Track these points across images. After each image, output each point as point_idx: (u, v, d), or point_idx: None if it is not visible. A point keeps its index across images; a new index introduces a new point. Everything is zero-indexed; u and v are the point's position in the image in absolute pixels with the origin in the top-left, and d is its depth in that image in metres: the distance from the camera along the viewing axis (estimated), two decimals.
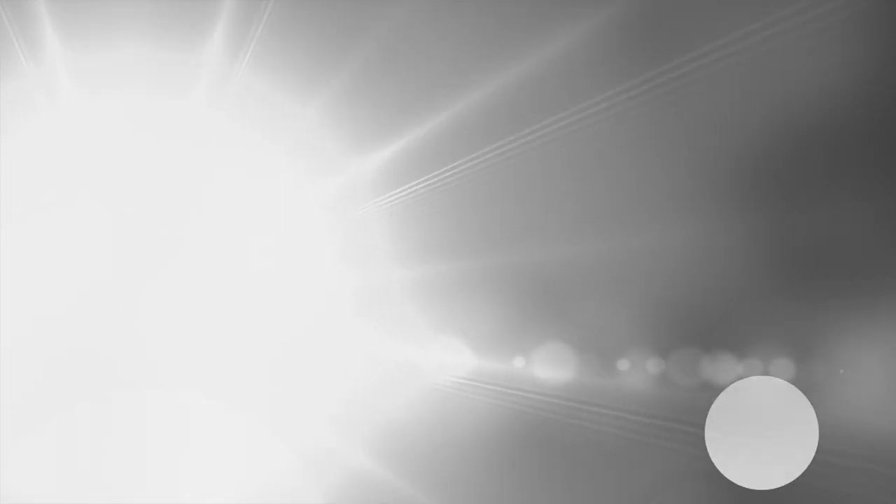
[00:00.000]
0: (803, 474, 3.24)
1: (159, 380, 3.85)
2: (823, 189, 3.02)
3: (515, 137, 3.52)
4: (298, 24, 3.76)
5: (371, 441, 3.81)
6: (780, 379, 3.36)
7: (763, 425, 3.37)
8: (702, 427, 3.44)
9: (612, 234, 3.48)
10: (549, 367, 3.70)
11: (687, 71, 3.08)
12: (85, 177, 3.92)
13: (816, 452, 3.25)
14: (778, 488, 3.27)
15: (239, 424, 3.84)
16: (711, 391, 3.46)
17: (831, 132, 2.95)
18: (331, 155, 3.91)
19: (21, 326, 3.71)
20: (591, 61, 3.24)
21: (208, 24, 3.77)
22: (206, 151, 3.98)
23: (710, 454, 3.42)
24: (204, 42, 3.81)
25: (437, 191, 3.82)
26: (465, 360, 3.82)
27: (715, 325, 3.41)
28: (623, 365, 3.63)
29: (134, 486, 3.61)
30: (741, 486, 3.38)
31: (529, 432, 3.62)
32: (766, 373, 3.39)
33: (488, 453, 3.64)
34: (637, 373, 3.58)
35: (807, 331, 3.31)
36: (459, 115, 3.62)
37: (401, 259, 3.83)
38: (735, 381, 3.45)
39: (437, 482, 3.67)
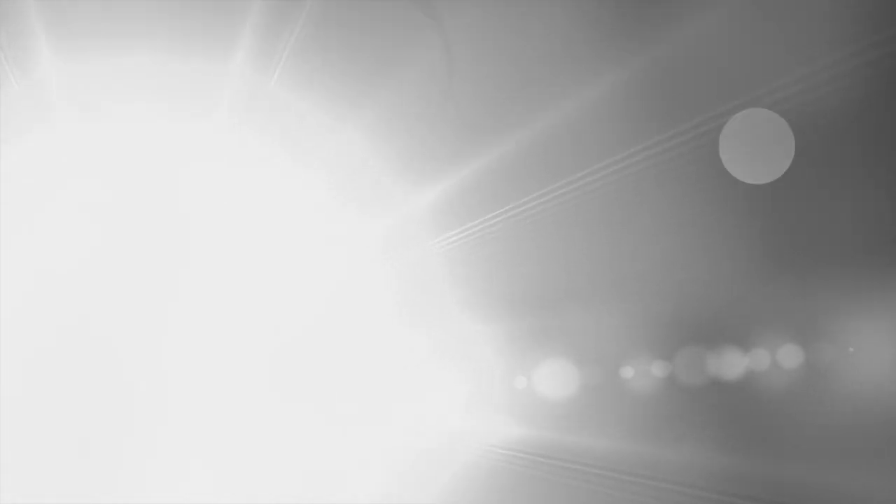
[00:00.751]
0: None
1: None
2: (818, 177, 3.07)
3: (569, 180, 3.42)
4: (341, 31, 3.13)
5: None
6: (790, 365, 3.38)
7: None
8: None
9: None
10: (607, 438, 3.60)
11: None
12: (83, 211, 3.33)
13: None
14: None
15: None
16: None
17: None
18: (377, 187, 3.31)
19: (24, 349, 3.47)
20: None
21: (232, 27, 3.15)
22: (229, 181, 3.41)
23: None
24: (227, 50, 3.21)
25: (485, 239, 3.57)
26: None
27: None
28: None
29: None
30: None
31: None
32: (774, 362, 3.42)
33: None
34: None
35: (811, 314, 3.35)
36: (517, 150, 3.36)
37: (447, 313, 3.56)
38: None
39: None
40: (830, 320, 3.27)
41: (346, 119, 3.20)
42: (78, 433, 3.48)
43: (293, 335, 3.56)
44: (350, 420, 3.59)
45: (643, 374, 3.60)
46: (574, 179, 3.36)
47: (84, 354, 3.49)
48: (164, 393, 3.55)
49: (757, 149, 3.15)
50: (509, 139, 3.27)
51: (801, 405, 3.41)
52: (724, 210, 3.32)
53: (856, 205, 3.11)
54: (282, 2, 3.08)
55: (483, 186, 3.36)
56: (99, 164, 3.39)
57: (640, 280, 3.48)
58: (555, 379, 3.60)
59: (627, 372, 3.61)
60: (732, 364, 3.49)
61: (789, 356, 3.45)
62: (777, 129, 3.12)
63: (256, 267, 3.54)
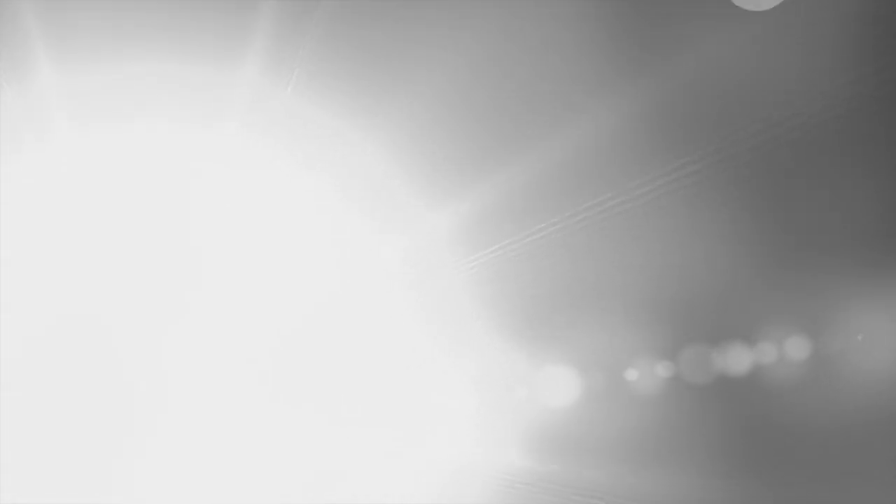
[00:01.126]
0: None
1: None
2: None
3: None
4: (360, 36, 2.91)
5: None
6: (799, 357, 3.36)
7: None
8: None
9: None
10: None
11: None
12: (85, 230, 3.15)
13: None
14: None
15: None
16: None
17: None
18: (399, 203, 3.13)
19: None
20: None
21: (244, 34, 2.94)
22: (239, 194, 3.19)
23: None
24: (238, 57, 2.98)
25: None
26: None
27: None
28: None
29: None
30: None
31: None
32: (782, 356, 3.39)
33: None
34: None
35: (817, 306, 3.31)
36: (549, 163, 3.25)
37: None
38: None
39: None
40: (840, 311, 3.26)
41: (363, 130, 3.01)
42: (78, 434, 3.38)
43: (306, 353, 3.43)
44: (365, 443, 3.47)
45: (661, 402, 3.54)
46: (602, 200, 3.32)
47: (87, 367, 3.38)
48: (166, 402, 3.45)
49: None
50: (532, 157, 3.16)
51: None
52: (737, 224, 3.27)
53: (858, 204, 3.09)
54: (295, 8, 2.86)
55: (503, 207, 3.23)
56: (102, 177, 3.22)
57: (659, 303, 3.46)
58: (568, 398, 3.52)
59: (643, 392, 3.55)
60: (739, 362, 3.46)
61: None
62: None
63: (267, 281, 3.39)
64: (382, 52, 2.95)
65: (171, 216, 3.25)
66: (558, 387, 3.51)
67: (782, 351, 3.39)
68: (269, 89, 3.01)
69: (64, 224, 3.25)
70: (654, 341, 3.48)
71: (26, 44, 2.90)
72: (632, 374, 3.56)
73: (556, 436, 3.55)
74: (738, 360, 3.52)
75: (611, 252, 3.45)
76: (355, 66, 3.03)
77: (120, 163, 3.18)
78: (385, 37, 2.94)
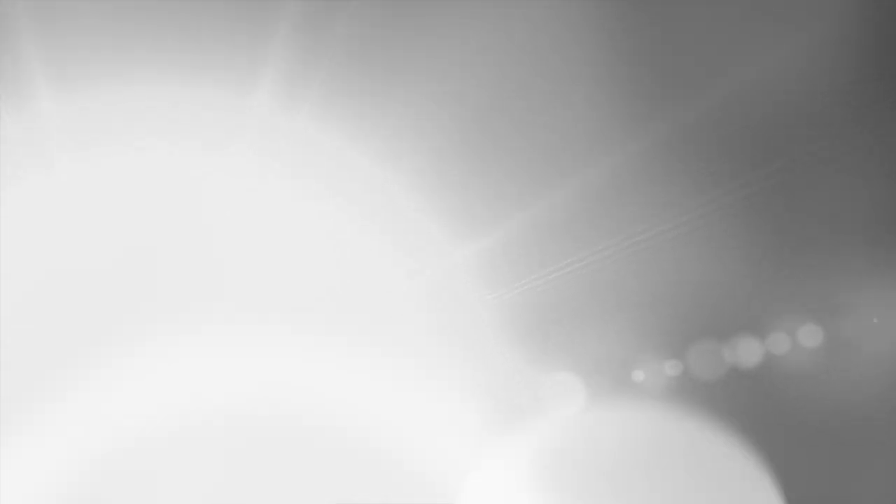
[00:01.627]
0: None
1: None
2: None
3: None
4: (379, 61, 2.76)
5: None
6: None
7: None
8: None
9: None
10: None
11: None
12: (88, 257, 3.05)
13: None
14: None
15: None
16: None
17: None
18: (422, 235, 2.99)
19: None
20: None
21: (254, 58, 2.81)
22: (253, 227, 3.10)
23: None
24: (248, 80, 2.84)
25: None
26: None
27: None
28: None
29: None
30: None
31: None
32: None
33: None
34: None
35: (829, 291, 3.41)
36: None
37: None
38: None
39: None
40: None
41: (376, 156, 2.87)
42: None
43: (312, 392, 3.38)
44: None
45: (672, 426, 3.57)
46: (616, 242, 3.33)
47: (87, 392, 3.35)
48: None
49: None
50: (559, 193, 3.12)
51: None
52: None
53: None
54: (309, 32, 2.70)
55: (523, 244, 3.15)
56: (105, 203, 3.10)
57: (686, 335, 3.52)
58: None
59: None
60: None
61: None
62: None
63: (278, 307, 3.28)
64: (402, 80, 2.82)
65: (176, 243, 3.13)
66: (579, 413, 3.51)
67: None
68: (281, 114, 2.86)
69: (67, 251, 3.14)
70: (680, 370, 3.53)
71: (28, 70, 2.78)
72: (661, 400, 3.57)
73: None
74: (749, 352, 3.62)
75: (635, 285, 3.43)
76: (371, 92, 2.90)
77: (123, 189, 3.06)
78: (405, 65, 2.82)
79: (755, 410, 3.62)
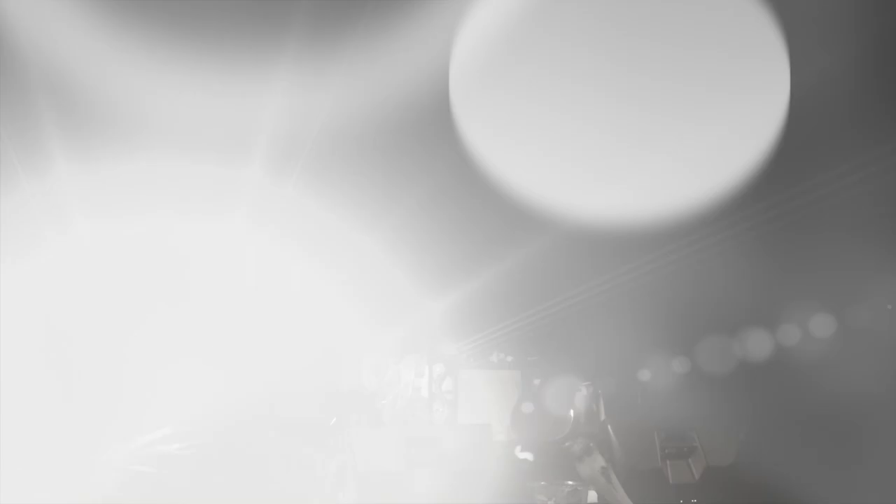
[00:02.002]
0: None
1: None
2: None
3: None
4: (365, 134, 2.93)
5: None
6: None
7: None
8: None
9: None
10: None
11: None
12: (100, 323, 3.19)
13: None
14: None
15: None
16: None
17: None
18: (404, 294, 3.13)
19: None
20: None
21: (251, 130, 2.96)
22: (251, 287, 3.22)
23: None
24: (245, 153, 3.01)
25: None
26: None
27: None
28: None
29: None
30: None
31: None
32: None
33: None
34: None
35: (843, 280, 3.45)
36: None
37: None
38: None
39: None
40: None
41: (362, 225, 3.02)
42: None
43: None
44: None
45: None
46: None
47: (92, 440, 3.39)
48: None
49: None
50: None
51: None
52: None
53: None
54: (300, 109, 2.90)
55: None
56: (116, 265, 3.28)
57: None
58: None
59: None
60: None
61: None
62: None
63: (274, 363, 3.40)
64: (384, 156, 2.96)
65: (180, 303, 3.29)
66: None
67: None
68: (274, 185, 3.05)
69: (80, 310, 3.30)
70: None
71: (44, 138, 2.99)
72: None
73: None
74: (759, 345, 3.81)
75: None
76: (365, 158, 3.05)
77: (133, 252, 3.24)
78: (391, 143, 2.95)
79: (769, 402, 3.75)
